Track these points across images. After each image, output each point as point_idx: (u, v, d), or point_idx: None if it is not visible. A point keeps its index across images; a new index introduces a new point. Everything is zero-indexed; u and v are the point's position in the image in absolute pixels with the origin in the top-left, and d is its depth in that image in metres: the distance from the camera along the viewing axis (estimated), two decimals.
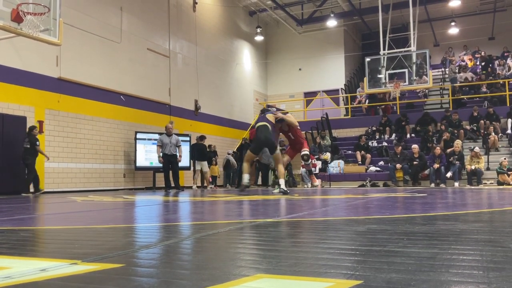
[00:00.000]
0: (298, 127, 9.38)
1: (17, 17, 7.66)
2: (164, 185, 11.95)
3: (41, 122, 11.05)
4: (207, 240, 2.43)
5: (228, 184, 16.05)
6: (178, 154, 11.72)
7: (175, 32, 16.16)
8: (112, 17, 13.44)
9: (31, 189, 10.14)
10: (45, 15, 8.03)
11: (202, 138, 14.89)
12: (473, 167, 12.93)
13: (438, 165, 13.14)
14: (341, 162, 15.10)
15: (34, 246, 2.49)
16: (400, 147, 14.11)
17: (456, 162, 13.13)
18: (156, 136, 12.54)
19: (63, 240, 2.59)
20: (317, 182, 13.75)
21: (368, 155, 15.21)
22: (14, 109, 10.48)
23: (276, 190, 8.66)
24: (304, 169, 14.93)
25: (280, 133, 9.34)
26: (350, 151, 16.22)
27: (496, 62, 19.66)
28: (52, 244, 2.47)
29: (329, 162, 15.35)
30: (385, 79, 14.59)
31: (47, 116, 11.27)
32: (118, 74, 13.46)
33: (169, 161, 11.58)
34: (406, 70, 14.50)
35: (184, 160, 13.33)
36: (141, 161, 13.47)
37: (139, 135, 13.47)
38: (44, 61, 11.22)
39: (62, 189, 11.45)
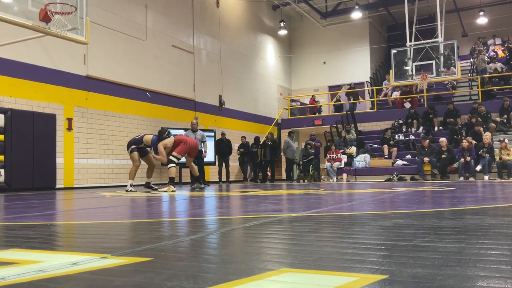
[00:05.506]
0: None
1: (45, 17, 7.81)
2: (190, 180, 12.08)
3: (70, 120, 11.30)
4: (232, 235, 2.46)
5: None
6: (203, 150, 11.81)
7: (199, 28, 16.25)
8: (137, 15, 13.61)
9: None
10: (72, 14, 8.17)
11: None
12: (502, 157, 12.60)
13: (469, 158, 12.86)
14: (367, 156, 14.93)
15: (65, 241, 2.57)
16: (427, 140, 13.86)
17: (486, 154, 12.82)
18: (182, 132, 12.64)
19: (93, 235, 2.66)
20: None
21: (394, 149, 14.99)
22: (44, 107, 10.74)
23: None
24: (329, 164, 14.85)
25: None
26: (376, 145, 16.01)
27: None
28: (82, 239, 2.54)
29: (354, 156, 15.20)
30: (412, 71, 14.32)
31: (76, 114, 11.51)
32: (143, 71, 13.63)
33: (195, 157, 11.67)
34: (433, 62, 14.17)
35: (209, 155, 13.41)
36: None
37: None
38: (72, 59, 11.45)
39: (91, 184, 11.70)
